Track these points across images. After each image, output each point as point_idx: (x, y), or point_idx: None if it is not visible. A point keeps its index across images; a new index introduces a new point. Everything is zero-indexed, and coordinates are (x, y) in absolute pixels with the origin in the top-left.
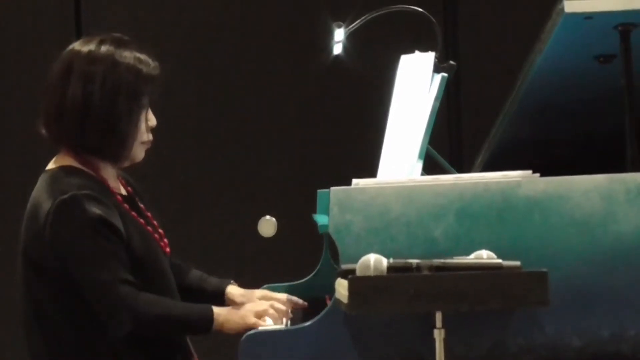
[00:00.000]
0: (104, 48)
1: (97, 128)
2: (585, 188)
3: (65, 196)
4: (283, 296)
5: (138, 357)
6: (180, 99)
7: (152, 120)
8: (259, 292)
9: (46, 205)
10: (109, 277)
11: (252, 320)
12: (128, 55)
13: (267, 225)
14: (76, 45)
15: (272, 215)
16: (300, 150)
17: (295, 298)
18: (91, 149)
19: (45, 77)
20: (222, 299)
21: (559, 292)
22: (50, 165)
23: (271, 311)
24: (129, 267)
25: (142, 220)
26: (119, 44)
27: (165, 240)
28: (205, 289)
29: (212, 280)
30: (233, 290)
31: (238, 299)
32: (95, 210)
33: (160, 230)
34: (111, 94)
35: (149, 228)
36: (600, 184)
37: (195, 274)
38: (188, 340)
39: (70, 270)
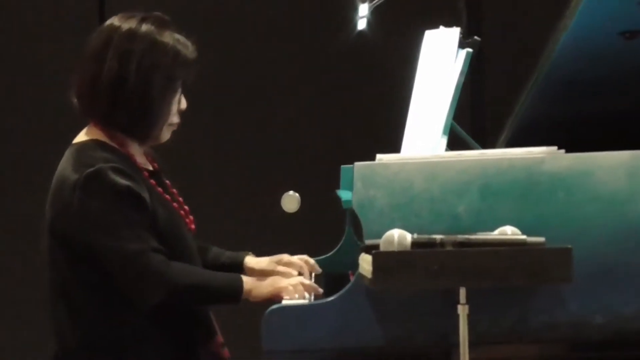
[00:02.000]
0: (144, 27)
1: (129, 105)
2: (609, 165)
3: (92, 169)
4: (301, 259)
5: (162, 335)
6: (205, 76)
7: (183, 104)
8: (276, 258)
9: (72, 178)
10: (139, 246)
11: (282, 284)
12: (168, 36)
13: (291, 201)
14: (116, 21)
15: (295, 190)
16: (323, 125)
17: (312, 261)
18: (120, 125)
19: (70, 62)
20: (240, 271)
21: (583, 268)
22: (78, 139)
23: (300, 287)
24: (154, 236)
25: (167, 196)
26: (161, 24)
27: (191, 217)
28: (223, 263)
29: (229, 254)
30: (250, 260)
31: (257, 267)
32: (123, 181)
33: (186, 207)
34: (147, 74)
35: (175, 204)
36: (625, 161)
37: (213, 251)
38: (212, 317)
39: (98, 243)
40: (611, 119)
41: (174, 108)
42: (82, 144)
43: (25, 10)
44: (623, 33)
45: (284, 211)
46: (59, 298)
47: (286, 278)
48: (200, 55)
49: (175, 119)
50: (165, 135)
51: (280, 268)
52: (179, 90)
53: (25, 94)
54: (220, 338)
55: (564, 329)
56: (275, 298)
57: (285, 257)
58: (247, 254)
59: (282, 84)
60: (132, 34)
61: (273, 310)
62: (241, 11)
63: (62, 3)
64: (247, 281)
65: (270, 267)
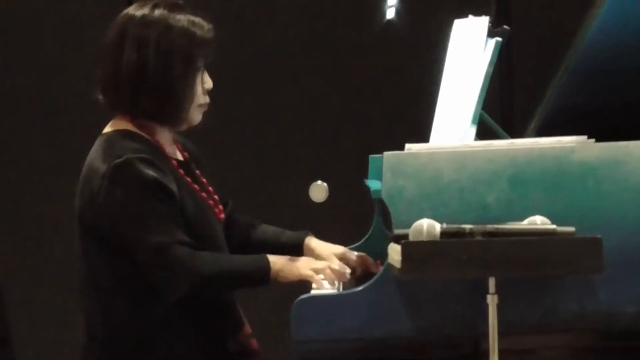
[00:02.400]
0: (157, 12)
1: (152, 92)
2: None
3: (120, 159)
4: (360, 256)
5: (190, 325)
6: (232, 65)
7: (209, 83)
8: (337, 249)
9: (101, 169)
10: (165, 239)
11: (308, 272)
12: (182, 19)
13: (319, 191)
14: (130, 10)
15: (323, 180)
16: (352, 115)
17: (370, 260)
18: (147, 113)
19: (97, 46)
20: (300, 251)
21: (613, 258)
22: (107, 129)
23: (328, 271)
24: (184, 229)
25: (196, 187)
26: (173, 7)
27: (220, 206)
28: (284, 243)
29: (289, 234)
30: (312, 242)
31: (316, 250)
32: (151, 172)
33: (215, 197)
34: (165, 58)
35: (204, 194)
36: None
37: (270, 228)
38: (239, 307)
39: (125, 234)
40: None
41: (199, 88)
42: (111, 134)
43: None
44: None
45: (312, 201)
46: (89, 288)
47: (320, 262)
48: (230, 41)
49: (202, 99)
50: (197, 116)
51: (335, 261)
52: (201, 70)
53: (52, 87)
54: (248, 329)
55: (594, 318)
56: (304, 280)
57: (346, 252)
58: (307, 235)
59: (311, 73)
60: (145, 20)
61: (302, 300)
62: (270, 1)
63: None
64: (275, 261)
65: (325, 255)
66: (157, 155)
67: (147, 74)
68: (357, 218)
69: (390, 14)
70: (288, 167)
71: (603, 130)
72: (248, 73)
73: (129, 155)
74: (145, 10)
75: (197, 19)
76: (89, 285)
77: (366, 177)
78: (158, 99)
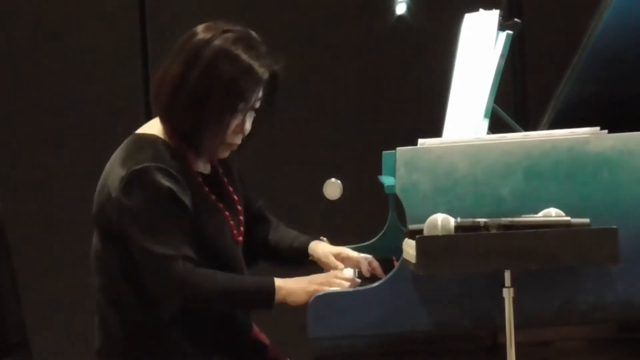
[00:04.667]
0: (224, 36)
1: (183, 107)
2: None
3: (138, 167)
4: (366, 258)
5: (204, 326)
6: None
7: (248, 126)
8: (334, 249)
9: (118, 173)
10: (169, 251)
11: (316, 289)
12: (245, 52)
13: (333, 188)
14: (201, 27)
15: (337, 177)
16: (364, 111)
17: (375, 263)
18: (175, 128)
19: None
20: (306, 257)
21: (630, 248)
22: (141, 129)
23: (337, 281)
24: (191, 245)
25: (220, 204)
26: (245, 39)
27: (242, 228)
28: (296, 248)
29: (302, 239)
30: (316, 248)
31: (323, 259)
32: (165, 183)
33: (241, 218)
34: (209, 80)
35: (227, 213)
36: None
37: (288, 232)
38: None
39: (132, 239)
40: None
41: (233, 127)
42: (140, 137)
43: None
44: None
45: (326, 198)
46: (103, 289)
47: (324, 275)
48: None
49: (230, 138)
50: (221, 153)
51: (332, 260)
52: (242, 110)
53: (62, 87)
54: (256, 327)
55: (612, 309)
56: None
57: (344, 251)
58: (311, 240)
59: (322, 70)
60: (208, 39)
61: (318, 297)
62: (280, 2)
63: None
64: (282, 286)
65: (324, 258)
66: (180, 168)
67: (184, 89)
68: (371, 214)
69: (400, 9)
70: (302, 165)
71: (616, 120)
72: None
73: (148, 164)
74: (213, 32)
75: (267, 61)
76: (103, 286)
77: (380, 173)
78: (184, 117)
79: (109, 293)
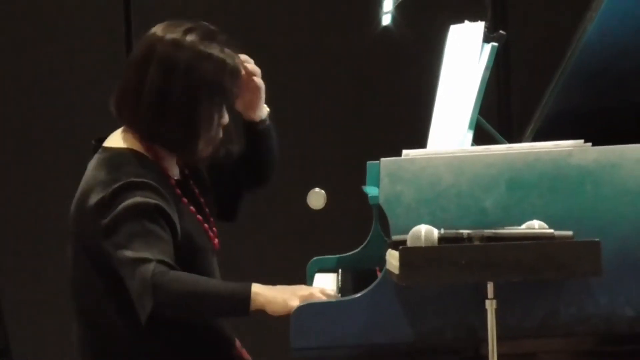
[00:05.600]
0: (190, 37)
1: (172, 119)
2: (637, 157)
3: (120, 183)
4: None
5: (182, 341)
6: None
7: (225, 118)
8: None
9: (100, 190)
10: (143, 255)
11: (297, 304)
12: (215, 47)
13: (317, 198)
14: (160, 30)
15: (321, 187)
16: (349, 121)
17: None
18: (161, 140)
19: (94, 55)
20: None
21: (612, 261)
22: (112, 143)
23: (318, 295)
24: (171, 255)
25: (192, 208)
26: (206, 34)
27: (215, 229)
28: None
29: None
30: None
31: None
32: (151, 200)
33: (212, 219)
34: (193, 86)
35: (199, 217)
36: None
37: None
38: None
39: (111, 251)
40: (639, 110)
41: (221, 124)
42: (116, 153)
43: (51, 8)
44: None
45: (310, 208)
46: (79, 301)
47: (309, 288)
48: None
49: (219, 134)
50: (206, 151)
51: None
52: (228, 106)
53: (54, 88)
54: (238, 342)
55: (594, 322)
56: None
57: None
58: None
59: (307, 80)
60: (177, 43)
61: (301, 308)
62: (266, 8)
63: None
64: (260, 292)
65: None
66: (159, 179)
67: (170, 100)
68: (355, 225)
69: (386, 20)
70: (286, 175)
71: (600, 133)
72: None
73: (132, 179)
74: (176, 34)
75: (229, 50)
76: (78, 298)
77: (364, 184)
78: (176, 127)
79: (88, 316)
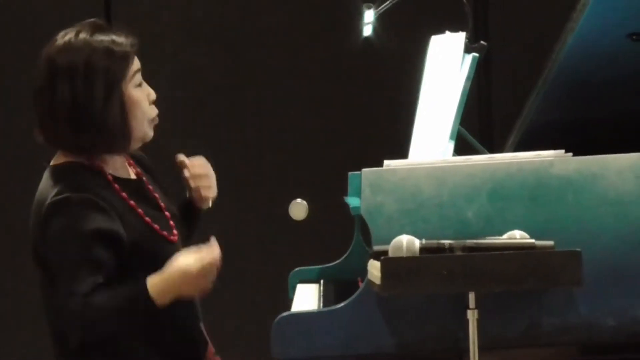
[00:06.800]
0: (80, 36)
1: (91, 124)
2: (618, 167)
3: (58, 198)
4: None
5: (153, 347)
6: (211, 80)
7: (152, 94)
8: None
9: (44, 204)
10: (73, 287)
11: (189, 283)
12: (104, 39)
13: (298, 209)
14: (50, 47)
15: (303, 198)
16: (330, 132)
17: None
18: (93, 149)
19: None
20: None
21: (593, 271)
22: (55, 160)
23: (207, 269)
24: (107, 269)
25: (141, 210)
26: (94, 29)
27: (172, 222)
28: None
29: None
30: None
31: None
32: (88, 212)
33: (167, 213)
34: (93, 83)
35: (148, 219)
36: (634, 163)
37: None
38: (202, 327)
39: (50, 268)
40: (619, 121)
41: (144, 104)
42: (58, 168)
43: (30, 9)
44: (630, 35)
45: (292, 219)
46: (46, 312)
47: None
48: (209, 62)
49: (150, 112)
50: (148, 132)
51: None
52: (129, 84)
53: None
54: (211, 348)
55: (576, 332)
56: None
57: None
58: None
59: (288, 91)
60: (70, 47)
61: (283, 318)
62: (247, 19)
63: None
64: (155, 283)
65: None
66: (100, 186)
67: (81, 105)
68: (337, 235)
69: (367, 31)
70: (267, 186)
71: (581, 144)
72: (227, 92)
73: (68, 194)
74: (67, 38)
75: (118, 37)
76: (46, 307)
77: (345, 194)
78: (98, 130)
79: (50, 318)
